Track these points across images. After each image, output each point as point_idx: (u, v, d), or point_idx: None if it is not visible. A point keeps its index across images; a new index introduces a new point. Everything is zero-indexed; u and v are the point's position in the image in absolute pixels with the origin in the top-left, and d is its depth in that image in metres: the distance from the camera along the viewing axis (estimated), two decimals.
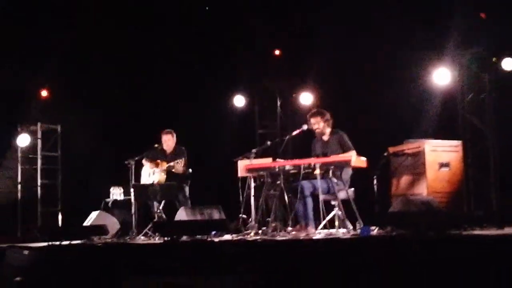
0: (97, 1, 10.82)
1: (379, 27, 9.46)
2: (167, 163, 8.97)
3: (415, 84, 9.66)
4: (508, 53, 9.01)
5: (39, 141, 11.66)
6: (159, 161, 9.11)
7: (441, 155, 8.29)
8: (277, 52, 11.28)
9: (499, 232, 6.69)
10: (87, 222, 9.09)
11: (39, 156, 11.61)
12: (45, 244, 7.71)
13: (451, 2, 9.00)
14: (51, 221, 11.43)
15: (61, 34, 10.85)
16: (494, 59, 9.18)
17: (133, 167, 8.78)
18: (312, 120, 8.02)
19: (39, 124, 11.60)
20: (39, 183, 11.54)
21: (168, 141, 9.27)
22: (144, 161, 9.26)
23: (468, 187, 8.85)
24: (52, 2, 10.83)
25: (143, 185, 9.00)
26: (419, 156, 8.25)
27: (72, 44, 11.01)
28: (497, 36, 9.02)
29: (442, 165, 8.23)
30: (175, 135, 9.33)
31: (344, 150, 7.79)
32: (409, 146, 8.43)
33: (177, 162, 8.89)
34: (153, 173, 9.20)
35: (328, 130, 8.06)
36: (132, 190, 8.70)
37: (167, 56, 11.18)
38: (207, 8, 11.54)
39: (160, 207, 8.91)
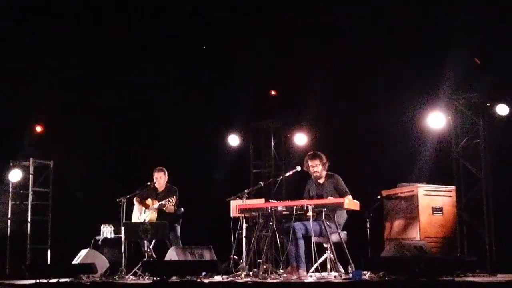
0: (89, 36, 10.88)
1: (375, 70, 9.53)
2: (158, 202, 8.91)
3: (410, 127, 9.68)
4: (502, 99, 9.06)
5: (31, 177, 11.57)
6: (148, 201, 9.07)
7: (434, 200, 8.26)
8: (272, 92, 11.32)
9: (492, 279, 6.63)
10: (76, 260, 8.97)
11: (30, 192, 11.51)
12: (32, 281, 7.59)
13: (447, 47, 9.08)
14: (40, 258, 11.27)
15: (56, 71, 10.90)
16: (488, 104, 9.22)
17: (124, 204, 8.70)
18: (311, 163, 7.98)
19: (31, 160, 11.52)
20: (29, 219, 11.41)
21: (160, 179, 9.24)
22: (135, 200, 9.20)
23: (461, 232, 8.79)
24: (46, 39, 10.88)
25: (134, 223, 8.92)
26: (412, 200, 8.21)
27: (67, 81, 11.05)
28: (492, 82, 9.08)
29: (435, 209, 8.20)
30: (166, 173, 9.30)
31: (340, 194, 7.76)
32: (403, 190, 8.41)
33: (168, 201, 8.83)
34: (144, 212, 9.14)
35: (324, 173, 8.04)
36: (122, 228, 8.61)
37: (161, 93, 11.22)
38: (204, 47, 11.63)
39: (151, 246, 8.81)
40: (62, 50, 10.91)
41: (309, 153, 8.14)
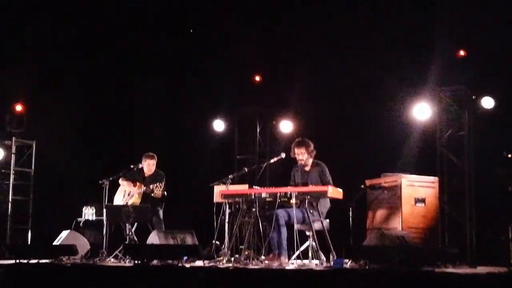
0: (76, 19, 10.77)
1: (361, 59, 9.52)
2: (145, 186, 8.88)
3: (395, 117, 9.70)
4: (487, 92, 9.10)
5: (13, 156, 11.45)
6: (132, 186, 9.02)
7: (417, 190, 8.28)
8: (257, 78, 11.27)
9: (472, 271, 6.67)
10: (57, 241, 8.92)
11: (12, 171, 11.40)
12: (12, 261, 7.53)
13: (432, 38, 9.08)
14: (21, 238, 11.20)
15: (38, 50, 10.78)
16: (473, 97, 9.26)
17: (107, 187, 8.64)
18: (297, 150, 7.93)
19: (13, 139, 11.40)
20: (10, 199, 11.31)
21: (151, 166, 9.19)
22: (121, 181, 9.14)
23: (443, 223, 8.84)
24: (31, 16, 10.75)
25: (116, 206, 8.87)
26: (395, 190, 8.23)
27: (50, 60, 10.93)
28: (477, 74, 9.12)
29: (418, 200, 8.21)
30: (156, 159, 9.25)
31: (323, 184, 7.74)
32: (386, 180, 8.42)
33: (156, 186, 8.78)
34: (128, 194, 9.08)
35: (310, 161, 8.01)
36: (105, 210, 8.56)
37: (146, 78, 11.15)
38: (191, 30, 11.55)
39: (133, 229, 8.77)
40: (42, 23, 10.77)
41: (296, 140, 8.10)
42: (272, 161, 8.39)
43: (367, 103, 9.64)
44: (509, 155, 7.95)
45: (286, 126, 10.91)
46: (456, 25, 8.97)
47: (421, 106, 9.42)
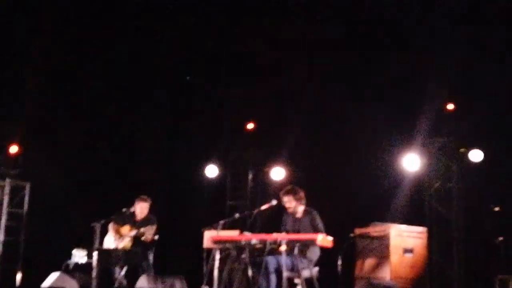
0: (70, 60, 10.93)
1: (352, 111, 9.70)
2: (137, 229, 8.86)
3: (386, 167, 9.83)
4: (475, 145, 9.26)
5: (6, 197, 11.45)
6: (125, 229, 9.01)
7: (406, 240, 8.34)
8: (251, 125, 11.42)
9: None
10: (45, 283, 8.87)
11: (4, 212, 11.39)
12: None
13: (422, 91, 9.28)
14: (10, 280, 11.12)
15: (34, 92, 10.91)
16: (462, 149, 9.41)
17: (98, 230, 8.65)
18: (285, 198, 7.96)
19: (7, 180, 11.43)
20: (1, 240, 11.28)
21: (144, 209, 9.15)
22: (110, 226, 9.15)
23: (431, 274, 8.88)
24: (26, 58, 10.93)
25: (107, 249, 8.85)
26: (384, 239, 8.29)
27: (45, 102, 11.06)
28: (466, 128, 9.29)
29: (407, 250, 8.27)
30: (150, 203, 9.25)
31: (314, 231, 7.77)
32: (375, 229, 8.49)
33: (148, 230, 8.78)
34: (119, 238, 9.09)
35: (301, 209, 8.00)
36: (95, 253, 8.56)
37: (140, 122, 11.28)
38: (188, 77, 11.75)
39: (122, 273, 8.75)
40: (36, 69, 10.93)
41: (284, 188, 8.17)
42: (263, 208, 8.41)
43: (358, 152, 9.78)
44: (496, 209, 8.07)
45: (278, 173, 11.01)
46: (445, 79, 9.19)
47: (410, 157, 9.57)
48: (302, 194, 8.00)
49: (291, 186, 8.13)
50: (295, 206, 7.94)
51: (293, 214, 8.00)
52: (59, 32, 10.59)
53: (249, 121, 11.45)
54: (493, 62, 9.03)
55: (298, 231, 7.77)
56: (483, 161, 9.26)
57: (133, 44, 11.00)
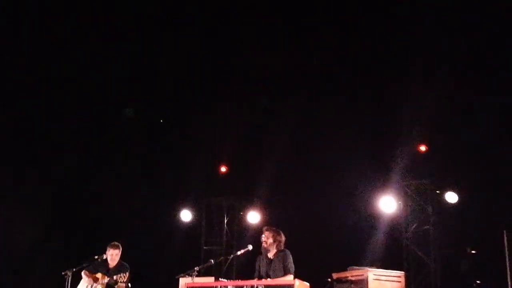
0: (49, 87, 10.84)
1: (326, 154, 9.70)
2: (108, 278, 8.66)
3: (362, 211, 9.80)
4: (451, 187, 9.29)
5: None
6: (98, 275, 8.80)
7: (383, 285, 8.25)
8: (224, 168, 11.38)
9: None
10: None
11: None
12: None
13: (396, 134, 9.34)
14: None
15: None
16: (437, 191, 9.44)
17: (69, 278, 8.42)
18: (266, 233, 7.90)
19: None
20: None
21: (115, 256, 8.98)
22: (83, 274, 8.94)
23: None
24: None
25: None
26: (362, 284, 8.19)
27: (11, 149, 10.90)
28: (441, 170, 9.33)
29: None
30: (121, 249, 9.08)
31: (284, 270, 7.68)
32: (353, 273, 8.39)
33: (120, 277, 8.57)
34: (92, 286, 8.86)
35: (274, 250, 7.96)
36: None
37: (113, 167, 11.16)
38: (161, 120, 11.71)
39: None
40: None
41: (270, 226, 8.13)
42: (239, 253, 8.30)
43: (334, 195, 9.75)
44: (472, 251, 8.05)
45: (253, 217, 10.93)
46: (418, 121, 9.26)
47: (386, 199, 9.56)
48: (283, 238, 7.95)
49: (276, 227, 8.07)
50: (269, 244, 7.87)
51: (267, 252, 7.91)
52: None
53: (222, 165, 11.40)
54: (463, 104, 9.14)
55: (269, 275, 7.67)
56: (458, 202, 9.28)
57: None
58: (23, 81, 10.57)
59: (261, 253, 8.05)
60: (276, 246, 7.93)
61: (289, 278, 7.49)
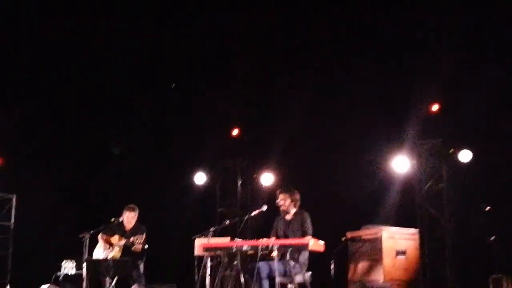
0: (55, 76, 10.86)
1: (340, 115, 9.69)
2: (126, 239, 8.77)
3: (376, 170, 9.82)
4: (464, 145, 9.26)
5: None
6: (114, 238, 8.92)
7: (398, 243, 8.33)
8: (237, 131, 11.40)
9: None
10: None
11: None
12: None
13: (408, 93, 9.29)
14: None
15: (18, 101, 10.81)
16: (451, 150, 9.41)
17: (87, 240, 8.55)
18: (280, 196, 7.91)
19: None
20: None
21: (131, 218, 9.08)
22: (99, 237, 9.06)
23: (424, 276, 8.86)
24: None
25: (96, 260, 8.75)
26: (376, 242, 8.27)
27: (30, 112, 10.96)
28: (455, 128, 9.30)
29: (399, 252, 8.26)
30: (137, 212, 9.17)
31: (303, 232, 7.73)
32: (367, 232, 8.47)
33: (137, 239, 8.69)
34: (108, 248, 8.99)
35: (293, 210, 7.98)
36: (84, 264, 8.46)
37: (127, 131, 11.22)
38: (173, 85, 11.70)
39: (113, 284, 8.65)
40: (22, 77, 10.83)
41: (282, 187, 8.14)
42: (253, 213, 8.36)
43: (347, 156, 9.76)
44: (487, 208, 8.06)
45: (267, 179, 10.98)
46: (431, 80, 9.20)
47: (400, 159, 9.56)
48: (297, 196, 7.97)
49: (288, 186, 8.08)
50: (288, 205, 7.89)
51: (285, 214, 7.94)
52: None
53: (235, 128, 11.41)
54: (478, 61, 9.06)
55: (287, 235, 7.72)
56: (472, 161, 9.26)
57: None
58: None
59: (278, 214, 8.09)
60: (294, 205, 7.95)
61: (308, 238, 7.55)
